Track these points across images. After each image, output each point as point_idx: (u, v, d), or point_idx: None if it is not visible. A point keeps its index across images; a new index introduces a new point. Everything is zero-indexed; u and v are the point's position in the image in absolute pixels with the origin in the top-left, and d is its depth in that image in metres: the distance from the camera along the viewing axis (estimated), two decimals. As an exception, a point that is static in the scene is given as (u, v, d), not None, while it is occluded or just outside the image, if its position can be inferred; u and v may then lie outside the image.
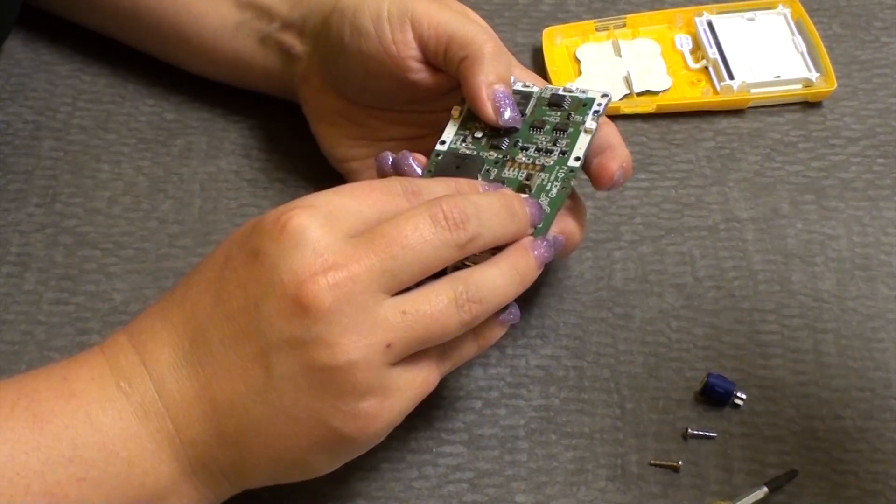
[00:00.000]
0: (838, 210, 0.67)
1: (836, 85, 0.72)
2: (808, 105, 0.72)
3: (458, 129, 0.58)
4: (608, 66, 0.73)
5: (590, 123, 0.57)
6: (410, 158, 0.56)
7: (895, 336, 0.62)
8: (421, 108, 0.62)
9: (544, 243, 0.53)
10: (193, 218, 0.66)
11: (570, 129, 0.57)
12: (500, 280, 0.51)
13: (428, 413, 0.58)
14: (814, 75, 0.72)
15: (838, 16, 0.77)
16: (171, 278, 0.63)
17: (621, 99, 0.72)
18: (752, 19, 0.75)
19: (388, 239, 0.48)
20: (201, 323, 0.49)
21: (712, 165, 0.69)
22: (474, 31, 0.58)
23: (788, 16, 0.75)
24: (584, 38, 0.75)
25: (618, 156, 0.57)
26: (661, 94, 0.72)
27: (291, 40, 0.65)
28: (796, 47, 0.74)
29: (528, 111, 0.58)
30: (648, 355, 0.61)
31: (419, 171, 0.56)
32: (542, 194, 0.55)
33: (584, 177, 0.58)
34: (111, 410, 0.48)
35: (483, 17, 0.61)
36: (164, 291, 0.53)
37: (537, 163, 0.56)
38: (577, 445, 0.57)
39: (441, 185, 0.53)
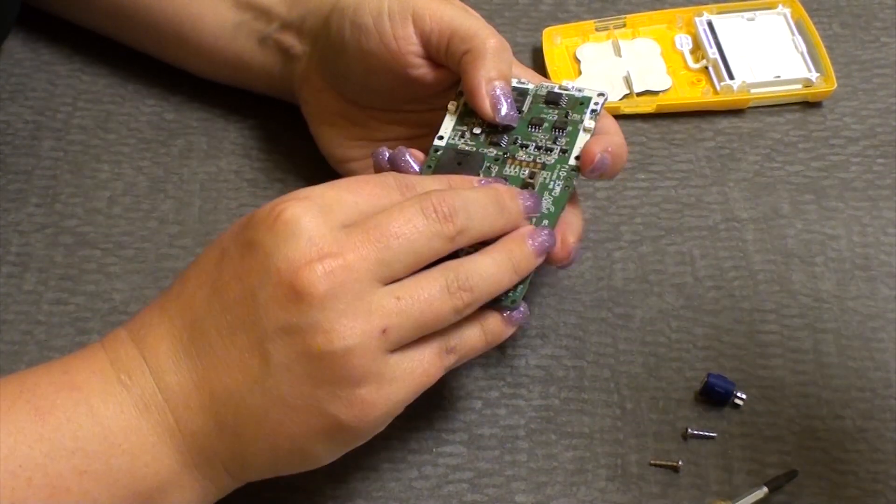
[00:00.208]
0: (838, 210, 0.67)
1: (836, 85, 0.72)
2: (808, 105, 0.72)
3: (456, 123, 0.58)
4: (608, 66, 0.73)
5: (588, 122, 0.57)
6: (407, 154, 0.56)
7: (895, 336, 0.62)
8: (421, 106, 0.62)
9: (544, 232, 0.53)
10: (193, 218, 0.66)
11: (569, 128, 0.57)
12: (492, 269, 0.51)
13: (428, 413, 0.58)
14: (814, 75, 0.72)
15: (838, 16, 0.77)
16: (171, 278, 0.62)
17: (621, 99, 0.72)
18: (752, 19, 0.75)
19: (381, 229, 0.49)
20: (199, 315, 0.49)
21: (712, 165, 0.69)
22: (477, 26, 0.58)
23: (788, 16, 0.75)
24: (583, 38, 0.75)
25: (603, 140, 0.56)
26: (661, 94, 0.72)
27: (291, 40, 0.65)
28: (796, 47, 0.74)
29: (525, 108, 0.58)
30: (648, 355, 0.61)
31: (416, 166, 0.56)
32: (546, 193, 0.55)
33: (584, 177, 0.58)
34: (112, 403, 0.48)
35: (483, 16, 0.60)
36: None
37: (538, 161, 0.56)
38: (577, 445, 0.57)
39: (434, 181, 0.53)
